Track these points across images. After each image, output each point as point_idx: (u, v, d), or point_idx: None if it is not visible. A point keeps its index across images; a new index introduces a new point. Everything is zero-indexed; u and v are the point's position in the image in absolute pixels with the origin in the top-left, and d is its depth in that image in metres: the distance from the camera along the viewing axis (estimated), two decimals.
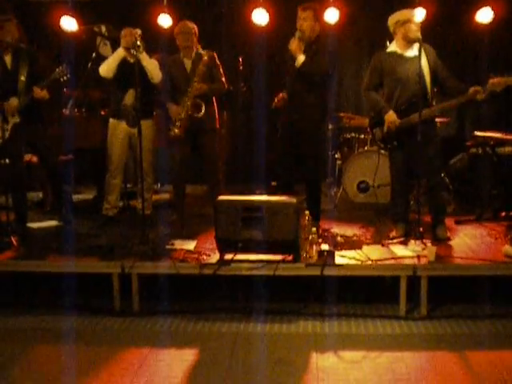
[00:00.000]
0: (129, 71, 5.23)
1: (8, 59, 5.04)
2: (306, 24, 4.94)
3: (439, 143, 4.83)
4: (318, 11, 5.12)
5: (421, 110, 4.46)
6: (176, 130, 5.26)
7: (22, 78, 5.02)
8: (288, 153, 5.22)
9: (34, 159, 5.91)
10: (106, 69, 5.33)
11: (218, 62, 5.49)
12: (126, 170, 6.03)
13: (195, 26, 5.44)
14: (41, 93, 5.00)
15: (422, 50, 4.50)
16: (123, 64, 5.33)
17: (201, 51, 5.45)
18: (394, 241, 4.67)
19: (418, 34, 4.55)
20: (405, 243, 4.60)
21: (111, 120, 5.52)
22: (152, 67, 5.30)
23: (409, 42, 4.64)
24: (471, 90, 4.51)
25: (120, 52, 5.31)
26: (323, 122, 5.45)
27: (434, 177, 4.78)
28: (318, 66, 4.93)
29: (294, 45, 4.90)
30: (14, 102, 4.98)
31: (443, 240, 4.72)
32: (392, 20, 4.72)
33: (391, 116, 4.66)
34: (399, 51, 4.71)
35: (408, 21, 4.62)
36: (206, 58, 5.30)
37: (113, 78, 5.36)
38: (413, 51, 4.64)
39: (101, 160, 5.80)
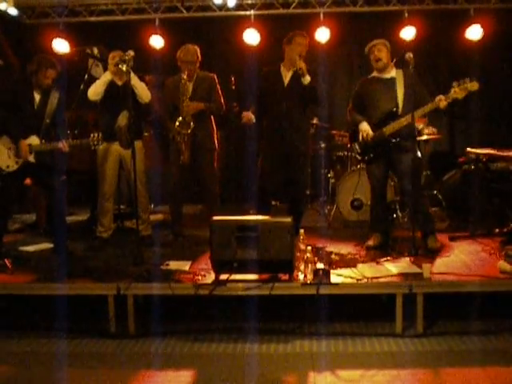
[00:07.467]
0: (117, 93, 5.27)
1: (37, 97, 5.04)
2: (306, 50, 5.23)
3: (418, 157, 4.91)
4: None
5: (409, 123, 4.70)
6: (182, 158, 5.40)
7: (47, 121, 5.02)
8: (278, 172, 5.38)
9: (28, 181, 5.85)
10: (94, 92, 5.34)
11: (217, 83, 5.55)
12: (120, 192, 6.01)
13: (198, 50, 5.51)
14: (65, 148, 5.00)
15: (400, 73, 4.90)
16: (111, 86, 5.34)
17: (201, 73, 5.56)
18: (389, 258, 4.68)
19: (381, 63, 4.92)
20: (399, 260, 4.62)
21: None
22: (141, 88, 5.32)
23: (376, 69, 5.00)
24: (436, 98, 4.72)
25: (107, 75, 5.32)
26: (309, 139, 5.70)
27: (416, 189, 4.87)
28: (319, 84, 5.27)
29: (303, 65, 5.07)
30: (34, 141, 4.97)
31: (435, 250, 4.83)
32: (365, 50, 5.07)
33: (364, 125, 4.95)
34: (377, 75, 5.05)
35: (370, 51, 4.98)
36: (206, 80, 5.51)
37: (102, 101, 5.37)
38: (390, 74, 4.97)
39: (94, 181, 5.78)
